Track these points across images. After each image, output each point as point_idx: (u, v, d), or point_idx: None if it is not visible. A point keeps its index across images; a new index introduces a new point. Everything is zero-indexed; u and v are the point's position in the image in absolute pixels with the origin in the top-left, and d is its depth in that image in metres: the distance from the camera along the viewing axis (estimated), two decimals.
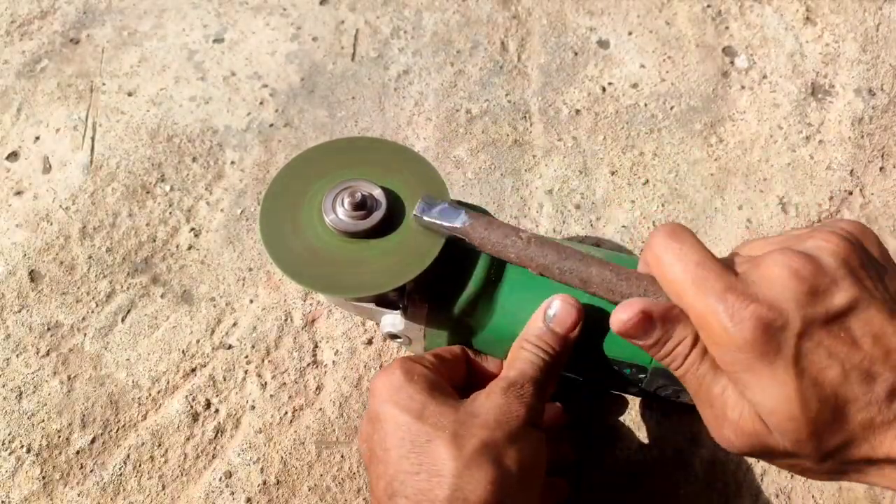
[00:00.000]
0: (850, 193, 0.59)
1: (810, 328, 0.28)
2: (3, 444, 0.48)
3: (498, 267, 0.40)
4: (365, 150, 0.43)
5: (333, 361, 0.51)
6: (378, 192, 0.39)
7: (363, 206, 0.38)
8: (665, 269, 0.31)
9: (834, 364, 0.28)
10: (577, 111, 0.63)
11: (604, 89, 0.65)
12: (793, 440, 0.29)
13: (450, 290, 0.39)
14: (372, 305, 0.42)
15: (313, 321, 0.53)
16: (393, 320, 0.42)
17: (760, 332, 0.28)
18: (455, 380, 0.40)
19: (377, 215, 0.39)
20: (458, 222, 0.37)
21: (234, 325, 0.53)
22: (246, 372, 0.51)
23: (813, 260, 0.29)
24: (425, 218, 0.38)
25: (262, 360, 0.51)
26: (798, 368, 0.28)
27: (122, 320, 0.53)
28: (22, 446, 0.48)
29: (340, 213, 0.39)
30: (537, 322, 0.39)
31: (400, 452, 0.35)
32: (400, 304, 0.41)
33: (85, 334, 0.52)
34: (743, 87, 0.65)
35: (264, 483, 0.47)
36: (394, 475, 0.34)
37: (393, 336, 0.42)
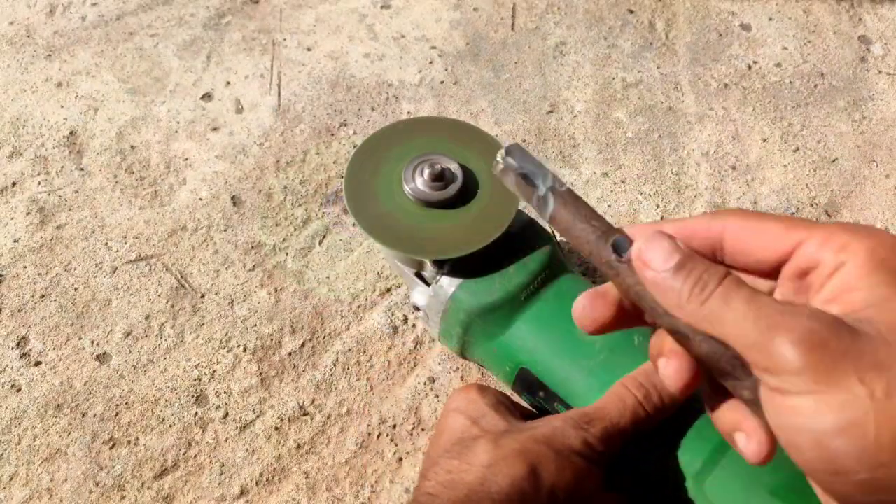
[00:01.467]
0: None
1: None
2: (221, 343, 0.52)
3: (542, 281, 0.41)
4: (439, 129, 0.45)
5: None
6: (455, 167, 0.42)
7: (441, 177, 0.41)
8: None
9: None
10: (726, 85, 0.68)
11: (749, 67, 0.69)
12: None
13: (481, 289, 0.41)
14: (412, 272, 0.45)
15: None
16: (421, 293, 0.44)
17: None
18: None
19: (454, 187, 0.42)
20: (541, 181, 0.27)
21: None
22: None
23: None
24: (509, 160, 0.28)
25: None
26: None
27: (320, 244, 0.57)
28: (238, 346, 0.52)
29: (420, 182, 0.42)
30: (649, 366, 0.36)
31: (448, 446, 0.37)
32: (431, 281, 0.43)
33: (287, 253, 0.56)
34: (880, 72, 0.69)
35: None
36: (435, 460, 0.36)
37: (416, 308, 0.45)
